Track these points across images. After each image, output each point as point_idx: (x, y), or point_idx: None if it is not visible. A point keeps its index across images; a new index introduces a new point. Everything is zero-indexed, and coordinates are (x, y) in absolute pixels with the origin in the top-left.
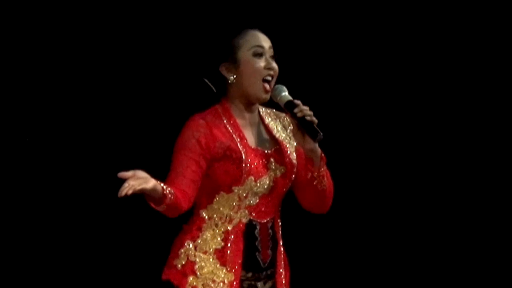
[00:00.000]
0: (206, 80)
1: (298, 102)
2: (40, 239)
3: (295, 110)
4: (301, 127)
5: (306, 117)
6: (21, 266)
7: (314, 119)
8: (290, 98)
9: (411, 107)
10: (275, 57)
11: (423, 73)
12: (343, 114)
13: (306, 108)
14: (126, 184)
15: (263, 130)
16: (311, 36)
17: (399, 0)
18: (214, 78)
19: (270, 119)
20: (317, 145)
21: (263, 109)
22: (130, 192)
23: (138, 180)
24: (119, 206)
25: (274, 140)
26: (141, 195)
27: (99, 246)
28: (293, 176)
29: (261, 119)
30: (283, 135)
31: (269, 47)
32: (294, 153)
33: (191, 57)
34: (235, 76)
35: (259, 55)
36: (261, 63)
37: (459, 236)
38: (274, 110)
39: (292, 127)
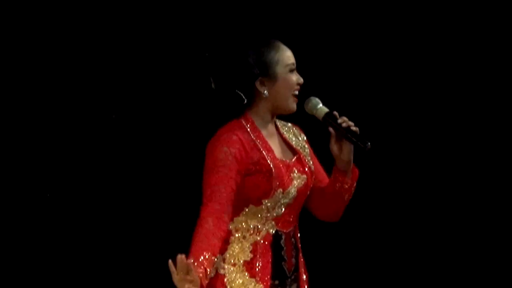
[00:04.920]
0: (239, 92)
1: (336, 113)
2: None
3: (339, 121)
4: (345, 138)
5: (351, 128)
6: (21, 266)
7: (357, 128)
8: (327, 110)
9: (414, 111)
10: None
11: (424, 78)
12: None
13: (346, 118)
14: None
15: (282, 140)
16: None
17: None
18: (245, 92)
19: (283, 129)
20: (352, 156)
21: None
22: None
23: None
24: (139, 219)
25: (292, 150)
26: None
27: (115, 260)
28: (312, 185)
29: (278, 130)
30: (298, 144)
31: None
32: (310, 161)
33: (228, 71)
34: (268, 90)
35: (292, 71)
36: (294, 78)
37: (474, 242)
38: (281, 121)
39: (331, 139)
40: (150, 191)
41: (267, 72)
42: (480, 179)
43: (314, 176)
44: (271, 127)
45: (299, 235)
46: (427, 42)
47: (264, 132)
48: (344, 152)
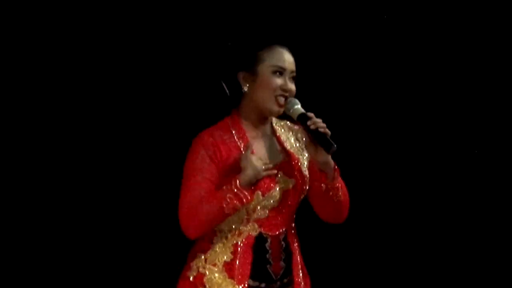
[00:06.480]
0: (222, 83)
1: (311, 114)
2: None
3: (308, 123)
4: (314, 140)
5: (319, 129)
6: (21, 266)
7: (328, 131)
8: (302, 111)
9: (417, 117)
10: (295, 78)
11: (424, 79)
12: (353, 123)
13: (319, 120)
14: None
15: (275, 142)
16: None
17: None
18: (230, 84)
19: (282, 131)
20: (330, 157)
21: (276, 121)
22: None
23: None
24: (137, 218)
25: (285, 152)
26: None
27: (113, 258)
28: (305, 188)
29: (273, 131)
30: (296, 146)
31: (291, 71)
32: (306, 165)
33: (213, 58)
34: (249, 87)
35: (278, 73)
36: (278, 81)
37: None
38: (288, 122)
39: (305, 140)
40: (149, 191)
41: (250, 67)
42: (478, 180)
43: (307, 181)
44: (261, 127)
45: (295, 238)
46: (422, 40)
47: (250, 132)
48: (319, 153)
